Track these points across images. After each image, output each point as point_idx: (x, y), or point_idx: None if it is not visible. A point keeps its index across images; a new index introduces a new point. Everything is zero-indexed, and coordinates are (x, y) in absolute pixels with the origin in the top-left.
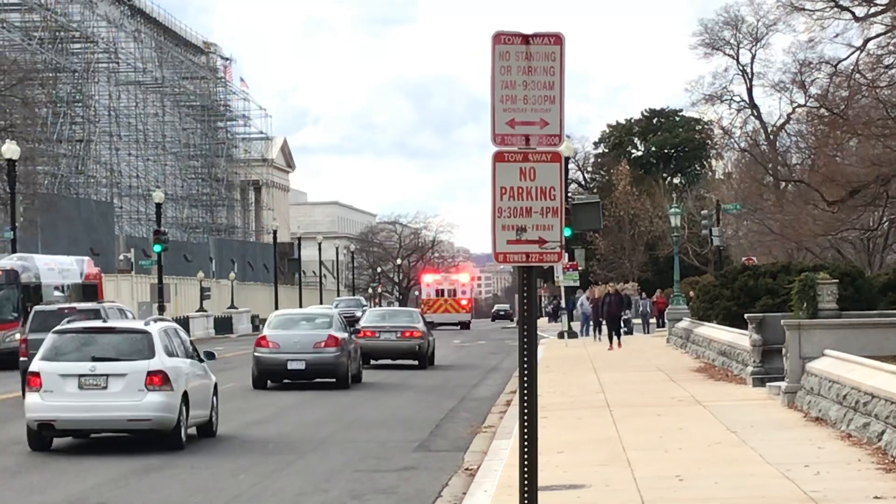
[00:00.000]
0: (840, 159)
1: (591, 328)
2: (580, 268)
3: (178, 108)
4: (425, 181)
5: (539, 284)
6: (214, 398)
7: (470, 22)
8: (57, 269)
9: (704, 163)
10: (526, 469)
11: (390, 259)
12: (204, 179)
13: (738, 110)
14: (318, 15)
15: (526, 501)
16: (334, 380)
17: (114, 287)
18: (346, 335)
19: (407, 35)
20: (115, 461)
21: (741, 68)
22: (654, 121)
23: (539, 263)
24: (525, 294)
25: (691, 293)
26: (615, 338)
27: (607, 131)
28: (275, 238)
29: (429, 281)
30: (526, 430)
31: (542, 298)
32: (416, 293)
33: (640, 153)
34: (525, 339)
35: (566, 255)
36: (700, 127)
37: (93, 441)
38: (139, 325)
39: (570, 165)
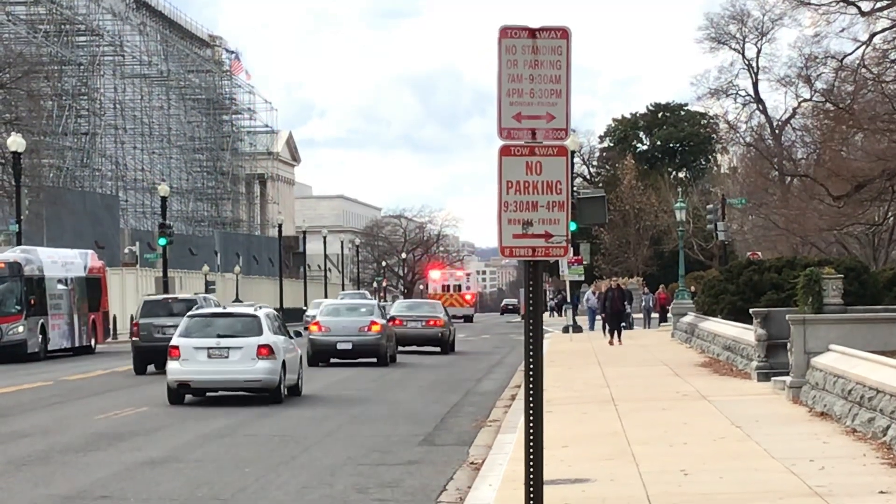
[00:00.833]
0: (846, 154)
1: (597, 323)
2: (585, 262)
3: (184, 101)
4: (431, 175)
5: (544, 278)
6: (300, 366)
7: (475, 15)
8: (60, 261)
9: (710, 157)
10: (531, 463)
11: (395, 253)
12: (209, 173)
13: (744, 105)
14: (324, 8)
15: (531, 495)
16: (376, 359)
17: (119, 280)
18: (385, 321)
19: (412, 28)
20: (120, 455)
21: (747, 63)
22: (660, 115)
23: (545, 257)
24: (531, 288)
25: (692, 287)
26: (616, 333)
27: (612, 125)
28: (280, 232)
29: (435, 277)
30: (531, 425)
31: (547, 292)
32: (422, 287)
33: (645, 147)
34: (531, 334)
35: (571, 249)
36: (705, 121)
37: (98, 436)
38: (250, 310)
39: (576, 160)
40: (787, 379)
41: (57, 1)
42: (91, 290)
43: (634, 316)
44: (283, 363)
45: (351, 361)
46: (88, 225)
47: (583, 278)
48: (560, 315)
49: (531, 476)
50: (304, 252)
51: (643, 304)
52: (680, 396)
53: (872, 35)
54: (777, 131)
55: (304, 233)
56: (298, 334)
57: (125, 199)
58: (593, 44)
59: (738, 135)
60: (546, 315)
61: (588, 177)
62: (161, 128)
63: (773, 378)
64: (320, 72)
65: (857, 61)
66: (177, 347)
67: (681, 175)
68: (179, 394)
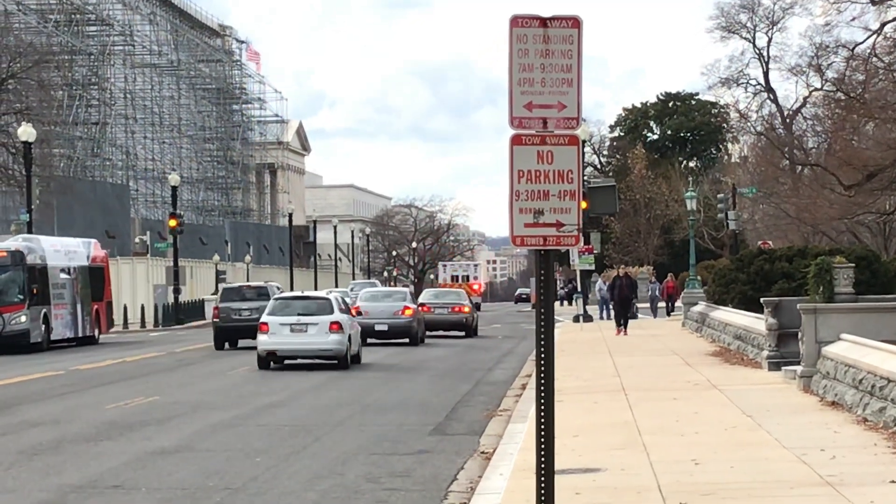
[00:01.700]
0: (857, 143)
1: (608, 312)
2: (596, 251)
3: (194, 90)
4: (441, 164)
5: (555, 268)
6: (360, 340)
7: (486, 5)
8: (63, 250)
9: (720, 146)
10: (542, 452)
11: (405, 242)
12: (219, 162)
13: (755, 94)
14: None
15: (542, 485)
16: (408, 339)
17: (129, 269)
18: (416, 307)
19: (423, 17)
20: (131, 445)
21: (757, 52)
22: (670, 104)
23: (556, 247)
24: (542, 277)
25: (698, 277)
26: (623, 323)
27: (623, 115)
28: (290, 221)
29: (444, 269)
30: (542, 414)
31: (558, 282)
32: (432, 276)
33: (655, 137)
34: (542, 323)
35: (582, 238)
36: (716, 110)
37: (109, 426)
38: (323, 294)
39: (586, 149)
40: (798, 368)
41: None
42: (94, 279)
43: (639, 305)
44: (349, 337)
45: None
46: (99, 214)
47: (593, 267)
48: (570, 304)
49: (542, 465)
50: (315, 241)
51: (648, 293)
52: (691, 386)
53: (883, 24)
54: (788, 120)
55: (315, 222)
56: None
57: (135, 189)
58: (604, 33)
59: (748, 124)
60: (556, 304)
61: (598, 166)
62: (171, 117)
63: (783, 367)
64: (330, 62)
65: (868, 50)
66: (266, 324)
67: (691, 164)
68: (267, 360)
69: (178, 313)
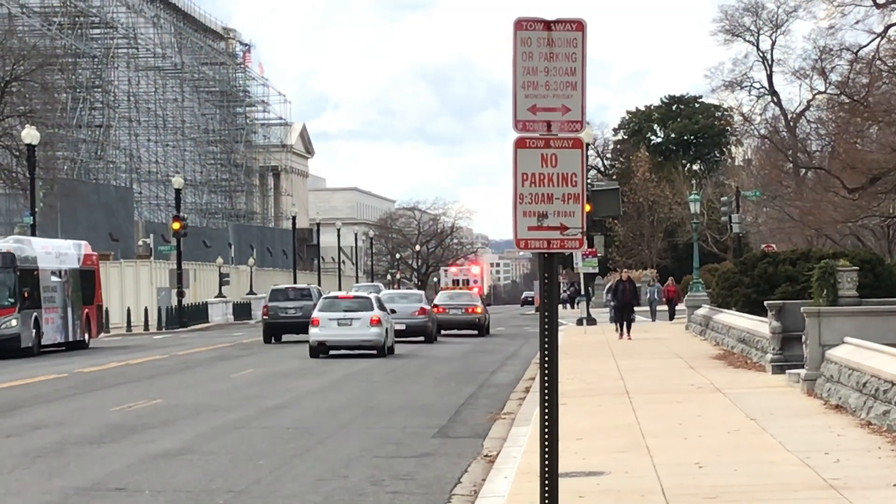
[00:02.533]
0: (860, 146)
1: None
2: (599, 255)
3: (198, 93)
4: (444, 167)
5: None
6: (393, 333)
7: (489, 7)
8: (54, 252)
9: (724, 149)
10: (546, 455)
11: (409, 245)
12: (223, 165)
13: (758, 97)
14: (337, 0)
15: (546, 488)
16: (423, 337)
17: (133, 272)
18: (430, 307)
19: (426, 20)
20: (135, 447)
21: (761, 55)
22: (674, 107)
23: (560, 250)
24: (546, 281)
25: (702, 280)
26: (626, 327)
27: (627, 118)
28: (294, 224)
29: (447, 273)
30: (546, 417)
31: (561, 285)
32: (435, 280)
33: (659, 140)
34: (546, 327)
35: (586, 241)
36: (720, 113)
37: (112, 428)
38: (365, 293)
39: (590, 152)
40: (802, 371)
41: None
42: (85, 282)
43: (637, 309)
44: (386, 330)
45: (404, 339)
46: (102, 217)
47: (597, 271)
48: (572, 307)
49: (546, 468)
50: (318, 244)
51: (647, 296)
52: (694, 389)
53: (887, 27)
54: (792, 123)
55: (318, 225)
56: (393, 311)
57: (139, 192)
58: (607, 36)
59: (752, 127)
60: (559, 308)
61: (602, 169)
62: (175, 120)
63: (787, 370)
64: (334, 64)
65: (872, 53)
66: (317, 318)
67: (695, 167)
68: (317, 350)
69: (181, 316)
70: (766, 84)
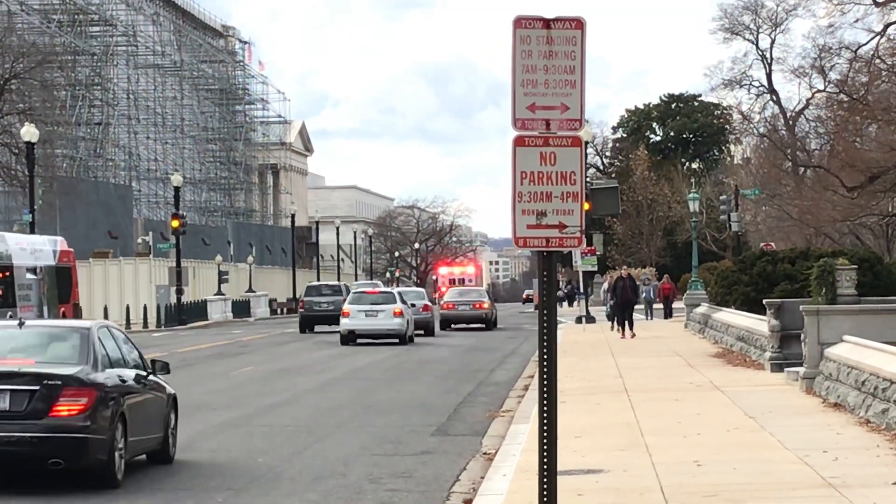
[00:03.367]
0: (859, 145)
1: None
2: (598, 253)
3: (197, 91)
4: (444, 166)
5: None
6: (413, 324)
7: (489, 5)
8: (29, 248)
9: (723, 148)
10: (545, 454)
11: (408, 243)
12: (222, 163)
13: (758, 95)
14: None
15: (545, 486)
16: (423, 331)
17: (132, 270)
18: (432, 304)
19: (426, 18)
20: None
21: (760, 53)
22: (673, 106)
23: (559, 248)
24: (545, 279)
25: (701, 279)
26: (627, 325)
27: (626, 116)
28: (293, 222)
29: (443, 272)
30: (545, 415)
31: (560, 283)
32: (434, 277)
33: (658, 138)
34: (545, 324)
35: (584, 239)
36: (719, 112)
37: None
38: (390, 289)
39: (589, 150)
40: (801, 370)
41: None
42: (61, 280)
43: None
44: (408, 322)
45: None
46: (102, 215)
47: (596, 269)
48: (570, 305)
49: (545, 467)
50: (317, 242)
51: (643, 294)
52: (693, 387)
53: (887, 26)
54: (791, 122)
55: (317, 223)
56: (413, 305)
57: (138, 189)
58: (607, 34)
59: (751, 125)
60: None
61: (601, 167)
62: (174, 118)
63: (786, 369)
64: (333, 62)
65: (872, 52)
66: (347, 310)
67: (694, 166)
68: (347, 338)
69: (180, 314)
70: (765, 82)
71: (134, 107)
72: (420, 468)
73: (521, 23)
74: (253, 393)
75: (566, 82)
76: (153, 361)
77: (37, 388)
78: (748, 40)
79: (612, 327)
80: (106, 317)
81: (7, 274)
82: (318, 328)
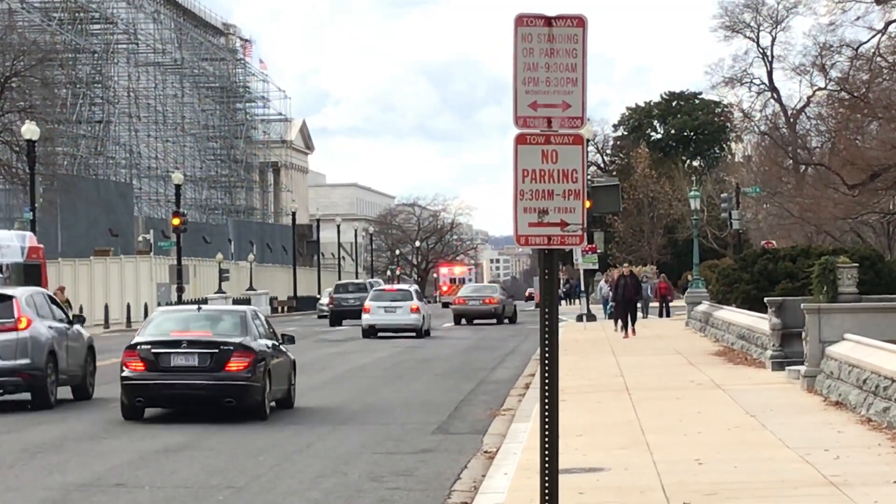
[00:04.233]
0: (860, 143)
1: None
2: (599, 251)
3: (198, 89)
4: (445, 163)
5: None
6: (430, 319)
7: (490, 3)
8: None
9: (724, 146)
10: (546, 452)
11: (409, 241)
12: (223, 161)
13: (758, 93)
14: None
15: (546, 484)
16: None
17: (133, 268)
18: (424, 304)
19: (427, 16)
20: (134, 443)
21: (761, 51)
22: (674, 103)
23: (561, 246)
24: (546, 277)
25: (690, 276)
26: (630, 325)
27: (626, 114)
28: (293, 220)
29: (444, 272)
30: (547, 413)
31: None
32: (434, 276)
33: (659, 136)
34: (546, 322)
35: (585, 237)
36: (720, 110)
37: (112, 424)
38: (406, 286)
39: (590, 148)
40: (802, 368)
41: None
42: (29, 278)
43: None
44: (424, 316)
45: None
46: (102, 213)
47: (597, 267)
48: (569, 303)
49: (546, 465)
50: (318, 240)
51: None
52: (694, 385)
53: (888, 24)
54: (792, 120)
55: (318, 221)
56: (430, 300)
57: (139, 187)
58: (607, 32)
59: (752, 123)
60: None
61: (602, 165)
62: (175, 116)
63: (787, 367)
64: (334, 60)
65: (873, 50)
66: (368, 307)
67: (695, 163)
68: (368, 332)
69: None
70: (766, 80)
71: (135, 105)
72: (421, 466)
73: (522, 21)
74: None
75: (568, 80)
76: (283, 335)
77: (216, 351)
78: (749, 38)
79: (616, 328)
80: (106, 315)
81: None
82: (345, 322)
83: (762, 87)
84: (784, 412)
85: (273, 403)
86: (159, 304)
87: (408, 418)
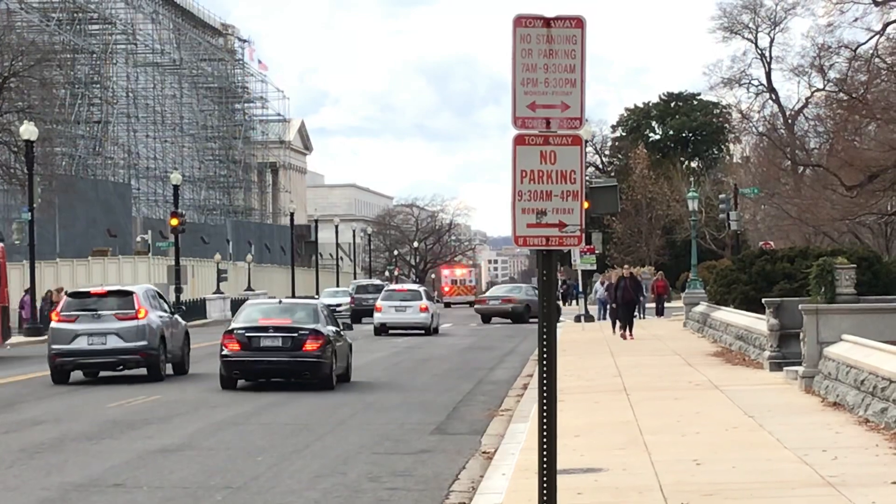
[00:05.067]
0: (858, 144)
1: (607, 313)
2: (597, 252)
3: (196, 89)
4: (443, 163)
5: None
6: (438, 317)
7: (489, 3)
8: None
9: (722, 147)
10: (545, 452)
11: (407, 242)
12: (221, 161)
13: (757, 94)
14: None
15: (544, 485)
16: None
17: (131, 268)
18: (433, 304)
19: (427, 16)
20: (133, 443)
21: (759, 52)
22: (672, 104)
23: (559, 247)
24: (545, 278)
25: (689, 275)
26: (628, 326)
27: (625, 115)
28: (292, 220)
29: (446, 273)
30: (545, 414)
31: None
32: (433, 276)
33: (657, 137)
34: (544, 323)
35: (584, 238)
36: (718, 111)
37: (111, 424)
38: (416, 287)
39: (588, 149)
40: (800, 369)
41: None
42: None
43: None
44: (432, 315)
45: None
46: (100, 213)
47: (595, 268)
48: (566, 304)
49: (544, 465)
50: (316, 241)
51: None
52: (692, 386)
53: (886, 25)
54: (790, 121)
55: (316, 221)
56: (438, 302)
57: (137, 188)
58: (606, 33)
59: (750, 124)
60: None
61: (600, 166)
62: (173, 116)
63: (785, 368)
64: (333, 60)
65: (871, 51)
66: (380, 306)
67: (693, 164)
68: (380, 330)
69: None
70: (764, 81)
71: (133, 105)
72: (419, 467)
73: (521, 21)
74: (251, 391)
75: (566, 81)
76: (344, 324)
77: (295, 335)
78: (747, 39)
79: (614, 331)
80: None
81: None
82: (364, 320)
83: (760, 88)
84: (782, 413)
85: (337, 376)
86: None
87: (406, 418)
